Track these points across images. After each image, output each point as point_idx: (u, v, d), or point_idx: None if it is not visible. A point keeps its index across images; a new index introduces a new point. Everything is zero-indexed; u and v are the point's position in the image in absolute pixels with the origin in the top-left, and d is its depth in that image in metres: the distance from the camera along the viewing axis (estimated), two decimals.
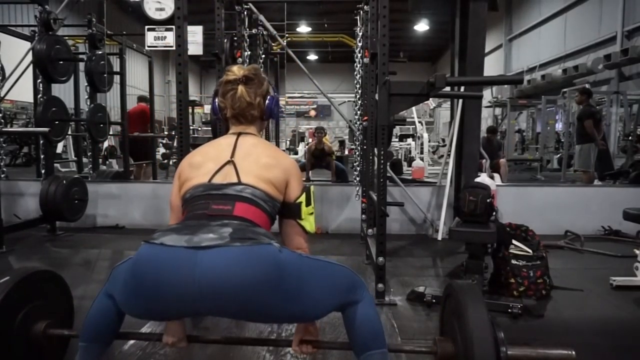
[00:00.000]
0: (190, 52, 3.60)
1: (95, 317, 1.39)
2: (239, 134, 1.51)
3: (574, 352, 1.43)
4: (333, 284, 1.34)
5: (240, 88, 1.50)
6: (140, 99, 7.23)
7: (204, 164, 1.43)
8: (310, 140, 10.58)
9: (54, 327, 1.62)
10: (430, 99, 7.91)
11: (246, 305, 1.17)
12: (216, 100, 1.56)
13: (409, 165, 9.68)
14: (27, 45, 5.30)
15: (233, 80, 1.51)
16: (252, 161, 1.42)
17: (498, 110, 13.75)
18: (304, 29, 18.25)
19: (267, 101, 1.55)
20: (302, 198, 1.45)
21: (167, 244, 1.16)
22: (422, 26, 19.02)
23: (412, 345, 1.70)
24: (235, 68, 1.55)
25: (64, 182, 4.27)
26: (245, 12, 4.36)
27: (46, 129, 4.13)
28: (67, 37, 5.45)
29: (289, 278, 1.20)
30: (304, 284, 1.25)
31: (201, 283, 1.12)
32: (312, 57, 23.15)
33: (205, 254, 1.13)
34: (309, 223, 1.47)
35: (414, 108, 10.26)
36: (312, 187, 1.49)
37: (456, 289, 1.50)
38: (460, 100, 4.12)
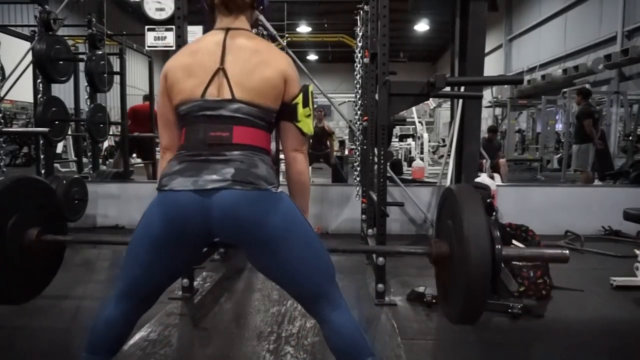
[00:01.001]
0: None
1: (101, 328, 1.35)
2: (227, 30, 1.39)
3: (567, 252, 1.43)
4: (316, 258, 1.34)
5: None
6: (146, 97, 7.23)
7: (193, 70, 1.34)
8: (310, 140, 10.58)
9: (47, 233, 1.61)
10: (430, 99, 7.91)
11: (243, 234, 1.27)
12: None
13: (409, 165, 9.69)
14: (27, 45, 5.30)
15: None
16: (245, 68, 1.33)
17: (498, 110, 13.76)
18: (304, 29, 18.26)
19: None
20: (299, 99, 1.39)
21: (176, 189, 1.25)
22: (422, 26, 19.03)
23: (407, 247, 1.71)
24: None
25: (64, 182, 4.26)
26: None
27: (46, 129, 4.13)
28: (67, 37, 5.45)
29: (278, 223, 1.27)
30: (289, 235, 1.29)
31: (211, 218, 1.24)
32: (312, 57, 23.16)
33: (210, 196, 1.23)
34: (306, 125, 1.40)
35: (414, 108, 10.27)
36: (309, 86, 1.42)
37: (453, 191, 1.48)
38: (460, 100, 4.11)
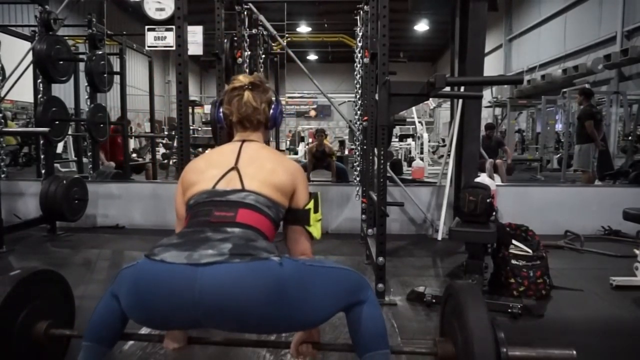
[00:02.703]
0: (190, 52, 3.60)
1: (101, 317, 1.38)
2: (243, 141, 1.52)
3: (574, 352, 1.43)
4: (336, 289, 1.33)
5: (247, 93, 1.52)
6: (116, 130, 6.64)
7: (207, 170, 1.43)
8: (310, 140, 10.58)
9: (55, 327, 1.62)
10: (430, 99, 7.91)
11: (246, 319, 1.18)
12: (221, 109, 1.58)
13: (409, 165, 9.68)
14: (27, 45, 5.31)
15: (239, 86, 1.54)
16: (256, 167, 1.42)
17: (498, 110, 13.76)
18: (304, 29, 18.25)
19: (272, 110, 1.57)
20: (311, 204, 1.45)
21: (168, 260, 1.17)
22: (422, 26, 19.02)
23: (412, 346, 1.70)
24: (241, 76, 1.58)
25: (64, 182, 4.27)
26: (245, 12, 4.35)
27: (46, 129, 4.13)
28: (67, 37, 5.45)
29: (290, 290, 1.20)
30: (306, 293, 1.24)
31: (201, 298, 1.13)
32: (312, 57, 23.15)
33: (204, 271, 1.14)
34: (316, 229, 1.47)
35: (414, 108, 10.27)
36: (318, 193, 1.49)
37: (456, 289, 1.50)
38: (460, 100, 4.12)
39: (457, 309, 1.44)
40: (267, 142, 1.71)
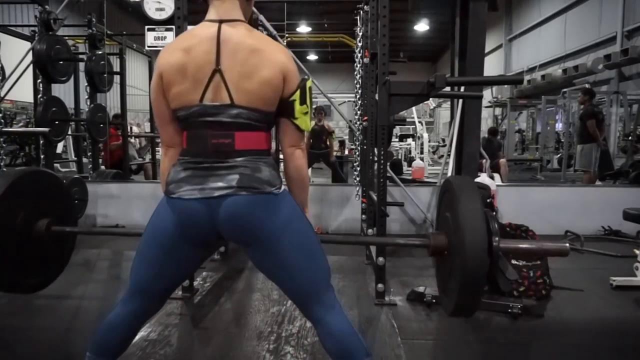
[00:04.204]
0: None
1: (108, 330, 1.37)
2: (220, 22, 1.31)
3: (568, 245, 1.42)
4: (312, 257, 1.37)
5: None
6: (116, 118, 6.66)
7: (188, 70, 1.28)
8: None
9: (56, 224, 1.64)
10: (430, 99, 7.91)
11: (247, 235, 1.32)
12: None
13: (409, 165, 9.68)
14: (27, 45, 5.30)
15: None
16: (242, 70, 1.28)
17: (498, 110, 13.77)
18: (304, 29, 18.26)
19: None
20: (296, 95, 1.34)
21: (184, 197, 1.30)
22: (422, 26, 19.02)
23: (406, 239, 1.72)
24: None
25: (64, 182, 4.26)
26: None
27: (46, 129, 4.13)
28: (67, 37, 5.45)
29: (278, 222, 1.32)
30: (288, 233, 1.33)
31: (218, 223, 1.31)
32: (312, 57, 23.16)
33: (217, 203, 1.29)
34: (303, 122, 1.37)
35: (414, 108, 10.27)
36: (308, 82, 1.39)
37: (452, 183, 1.48)
38: (460, 100, 4.12)
39: (450, 201, 1.42)
40: (251, 24, 1.45)
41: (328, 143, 7.21)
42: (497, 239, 1.34)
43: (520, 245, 1.42)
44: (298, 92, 1.34)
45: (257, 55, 1.29)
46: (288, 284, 1.38)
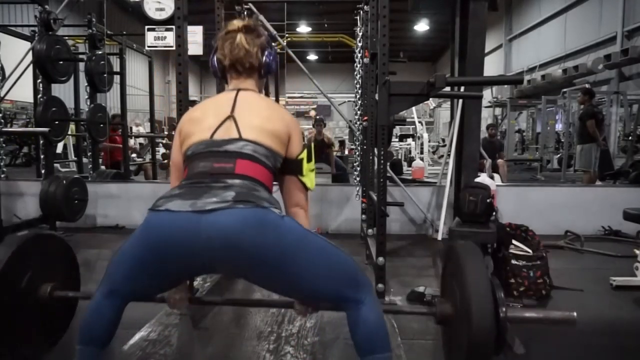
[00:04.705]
0: (190, 52, 3.59)
1: (91, 319, 1.37)
2: (238, 90, 1.49)
3: (575, 314, 1.41)
4: (332, 267, 1.31)
5: (240, 35, 1.50)
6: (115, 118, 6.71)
7: (204, 119, 1.42)
8: (309, 133, 10.54)
9: (60, 289, 1.63)
10: (430, 99, 7.90)
11: (248, 261, 1.22)
12: (214, 56, 1.55)
13: (409, 165, 9.68)
14: (27, 45, 5.31)
15: (232, 30, 1.52)
16: (253, 115, 1.41)
17: (498, 110, 13.76)
18: (304, 29, 18.27)
19: (265, 56, 1.54)
20: (304, 154, 1.45)
21: (173, 209, 1.21)
22: (422, 26, 19.04)
23: (412, 308, 1.70)
24: (235, 20, 1.57)
25: (64, 182, 4.26)
26: (245, 12, 4.35)
27: (46, 129, 4.13)
28: (67, 37, 5.45)
29: (288, 241, 1.24)
30: (300, 252, 1.25)
31: (208, 242, 1.18)
32: (312, 57, 23.16)
33: (209, 217, 1.18)
34: (309, 179, 1.46)
35: (414, 108, 10.26)
36: (311, 144, 1.50)
37: (456, 250, 1.48)
38: (460, 100, 4.12)
39: (456, 269, 1.42)
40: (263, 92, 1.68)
41: (330, 156, 7.13)
42: (504, 309, 1.33)
43: (527, 315, 1.42)
44: (305, 152, 1.45)
45: (267, 112, 1.44)
46: (314, 298, 1.36)
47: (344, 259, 1.36)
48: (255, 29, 1.54)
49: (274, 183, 1.45)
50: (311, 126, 8.91)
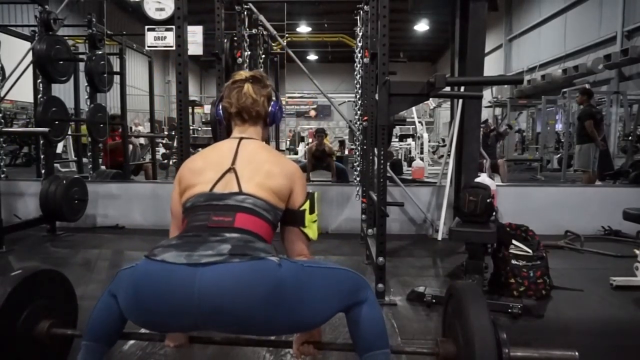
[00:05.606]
0: (190, 52, 3.60)
1: (100, 316, 1.38)
2: (241, 139, 1.50)
3: (577, 353, 1.42)
4: (335, 289, 1.33)
5: (247, 85, 1.53)
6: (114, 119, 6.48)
7: (205, 171, 1.42)
8: (310, 140, 10.58)
9: (57, 326, 1.62)
10: (430, 99, 7.90)
11: (245, 321, 1.19)
12: (220, 104, 1.58)
13: (409, 165, 9.67)
14: (27, 45, 5.31)
15: (240, 79, 1.55)
16: (254, 168, 1.41)
17: (498, 110, 13.76)
18: (304, 29, 18.25)
19: (271, 106, 1.57)
20: (306, 205, 1.45)
21: (168, 260, 1.19)
22: (422, 26, 19.02)
23: (414, 347, 1.69)
24: (242, 71, 1.61)
25: (64, 182, 4.26)
26: (245, 12, 4.35)
27: (46, 129, 4.13)
28: (67, 37, 5.45)
29: (288, 291, 1.21)
30: (305, 295, 1.24)
31: (200, 299, 1.15)
32: (312, 57, 23.15)
33: (204, 271, 1.16)
34: (312, 231, 1.47)
35: (414, 108, 10.26)
36: (316, 194, 1.48)
37: (458, 290, 1.50)
38: (460, 100, 4.12)
39: (458, 309, 1.44)
40: (266, 141, 1.69)
41: (330, 165, 7.15)
42: (506, 350, 1.35)
43: (530, 354, 1.43)
44: (308, 203, 1.46)
45: (270, 164, 1.43)
46: (319, 325, 1.36)
47: (342, 274, 1.38)
48: (262, 79, 1.58)
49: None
50: (310, 127, 8.89)
